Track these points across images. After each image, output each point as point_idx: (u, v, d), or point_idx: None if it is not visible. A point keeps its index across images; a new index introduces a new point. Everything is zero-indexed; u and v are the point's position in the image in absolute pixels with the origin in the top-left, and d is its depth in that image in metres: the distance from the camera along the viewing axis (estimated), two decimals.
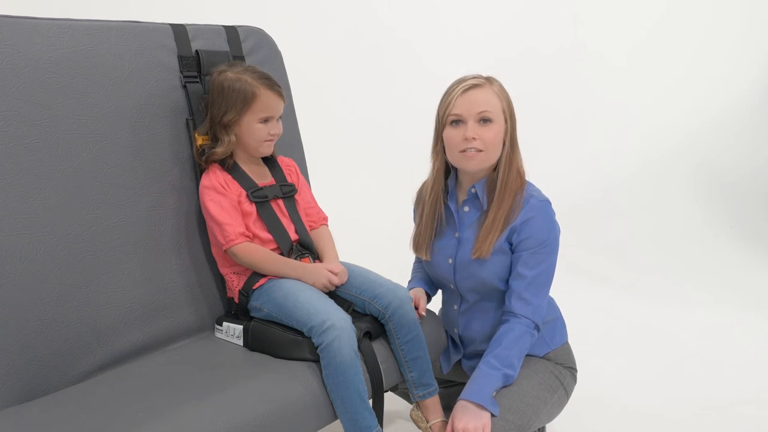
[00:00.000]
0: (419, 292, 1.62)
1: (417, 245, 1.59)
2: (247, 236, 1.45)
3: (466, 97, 1.44)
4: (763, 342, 2.52)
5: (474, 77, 1.46)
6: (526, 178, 1.51)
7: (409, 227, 1.66)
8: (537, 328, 1.46)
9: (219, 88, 1.45)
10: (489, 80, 1.47)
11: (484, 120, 1.43)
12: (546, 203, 1.47)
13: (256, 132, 1.46)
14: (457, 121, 1.44)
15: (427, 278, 1.68)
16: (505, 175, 1.47)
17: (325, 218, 1.65)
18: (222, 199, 1.44)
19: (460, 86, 1.45)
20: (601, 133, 4.35)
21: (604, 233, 3.78)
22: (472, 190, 1.50)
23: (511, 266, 1.47)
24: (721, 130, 4.51)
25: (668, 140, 4.45)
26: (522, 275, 1.44)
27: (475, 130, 1.43)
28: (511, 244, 1.46)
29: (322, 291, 1.43)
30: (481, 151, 1.43)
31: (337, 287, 1.47)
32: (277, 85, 1.47)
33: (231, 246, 1.43)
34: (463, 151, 1.44)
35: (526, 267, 1.44)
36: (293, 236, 1.52)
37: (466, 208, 1.52)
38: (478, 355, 1.53)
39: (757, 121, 4.51)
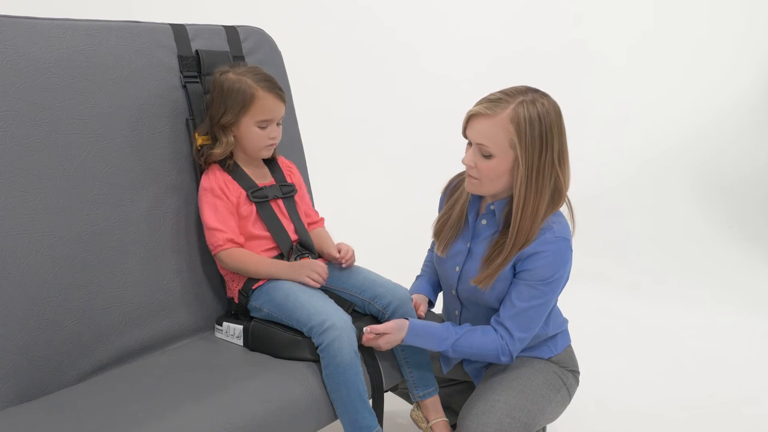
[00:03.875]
0: (421, 298, 1.61)
1: (437, 234, 1.54)
2: (237, 243, 1.44)
3: (470, 124, 1.37)
4: (763, 342, 2.53)
5: (488, 101, 1.33)
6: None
7: (408, 228, 1.66)
8: (511, 357, 1.41)
9: (219, 89, 1.44)
10: (505, 104, 1.31)
11: (484, 153, 1.35)
12: (561, 240, 1.36)
13: (254, 136, 1.45)
14: (468, 142, 1.40)
15: (434, 280, 1.68)
16: (517, 217, 1.35)
17: (322, 219, 1.67)
18: (218, 202, 1.44)
19: (470, 111, 1.36)
20: (601, 132, 4.35)
21: (604, 233, 3.78)
22: (491, 207, 1.44)
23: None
24: (721, 130, 4.50)
25: (668, 140, 4.45)
26: (512, 304, 1.39)
27: (474, 157, 1.36)
28: (515, 270, 1.41)
29: (313, 286, 1.40)
30: (477, 179, 1.38)
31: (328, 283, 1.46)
32: (279, 88, 1.46)
33: (217, 252, 1.44)
34: (469, 174, 1.40)
35: (519, 297, 1.38)
36: (293, 236, 1.52)
37: (484, 221, 1.47)
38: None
39: (757, 121, 4.50)
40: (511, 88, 1.36)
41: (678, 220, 4.01)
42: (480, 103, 1.35)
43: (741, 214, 4.10)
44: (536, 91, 1.36)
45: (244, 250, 1.45)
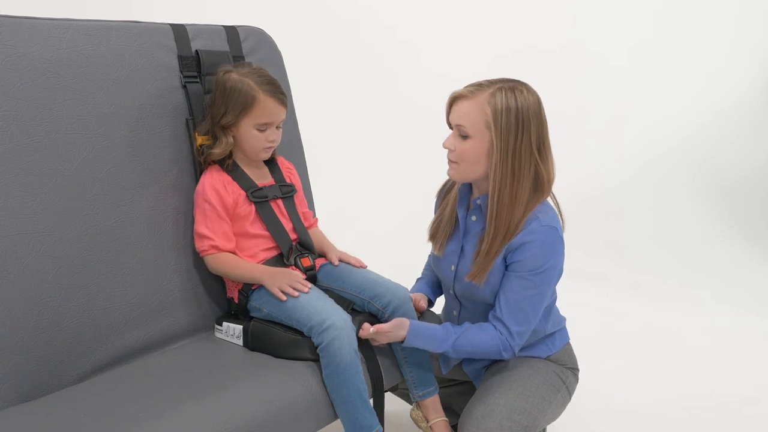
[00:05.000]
0: (420, 296, 1.62)
1: (433, 236, 1.55)
2: (222, 249, 1.44)
3: (452, 108, 1.40)
4: (763, 342, 2.53)
5: (471, 85, 1.38)
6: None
7: (408, 228, 1.66)
8: (513, 352, 1.41)
9: (221, 88, 1.44)
10: (486, 88, 1.36)
11: (462, 134, 1.38)
12: (549, 229, 1.37)
13: (252, 139, 1.45)
14: (451, 127, 1.42)
15: (434, 281, 1.68)
16: (494, 202, 1.36)
17: (316, 220, 1.69)
18: (207, 207, 1.44)
19: (452, 93, 1.40)
20: (601, 132, 4.35)
21: (604, 233, 3.78)
22: (477, 202, 1.46)
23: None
24: (721, 130, 4.51)
25: (668, 140, 4.45)
26: (505, 296, 1.39)
27: (454, 141, 1.39)
28: (506, 263, 1.41)
29: (280, 298, 1.37)
30: (456, 162, 1.40)
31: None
32: (281, 92, 1.45)
33: (202, 256, 1.46)
34: (449, 159, 1.42)
35: (511, 289, 1.39)
36: (292, 235, 1.52)
37: (473, 218, 1.48)
38: (478, 359, 1.53)
39: (757, 121, 4.51)
40: (496, 78, 1.40)
41: (678, 220, 4.01)
42: (461, 88, 1.39)
43: (741, 214, 4.10)
44: (518, 81, 1.39)
45: (229, 254, 1.45)
